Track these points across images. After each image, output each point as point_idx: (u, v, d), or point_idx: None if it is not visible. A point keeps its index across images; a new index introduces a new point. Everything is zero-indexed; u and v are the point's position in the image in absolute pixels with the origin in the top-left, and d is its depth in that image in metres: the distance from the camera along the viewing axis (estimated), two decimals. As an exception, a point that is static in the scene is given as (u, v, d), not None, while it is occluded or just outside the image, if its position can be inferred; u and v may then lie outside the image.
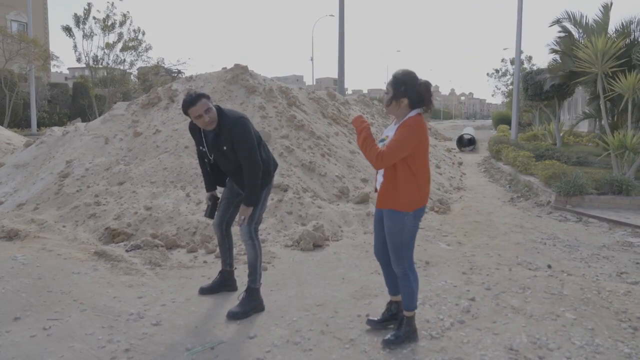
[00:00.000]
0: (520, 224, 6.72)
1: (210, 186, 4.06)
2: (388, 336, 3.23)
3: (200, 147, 3.87)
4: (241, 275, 4.31)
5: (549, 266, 4.87)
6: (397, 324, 3.31)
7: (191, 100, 3.54)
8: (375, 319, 3.46)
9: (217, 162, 3.88)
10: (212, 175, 4.00)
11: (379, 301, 3.87)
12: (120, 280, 4.41)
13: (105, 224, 5.90)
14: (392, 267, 3.33)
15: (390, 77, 3.12)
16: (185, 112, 3.61)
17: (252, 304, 3.72)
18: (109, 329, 3.43)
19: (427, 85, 3.07)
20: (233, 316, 3.62)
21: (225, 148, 3.66)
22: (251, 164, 3.61)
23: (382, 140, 3.17)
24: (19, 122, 27.55)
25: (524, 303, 3.90)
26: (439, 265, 4.87)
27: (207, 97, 3.60)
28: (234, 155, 3.66)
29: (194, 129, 3.86)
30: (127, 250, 5.24)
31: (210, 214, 4.05)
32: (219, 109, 3.68)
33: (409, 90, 3.05)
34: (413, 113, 3.08)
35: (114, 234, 5.64)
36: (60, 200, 6.84)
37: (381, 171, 3.17)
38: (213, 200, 4.04)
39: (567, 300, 3.96)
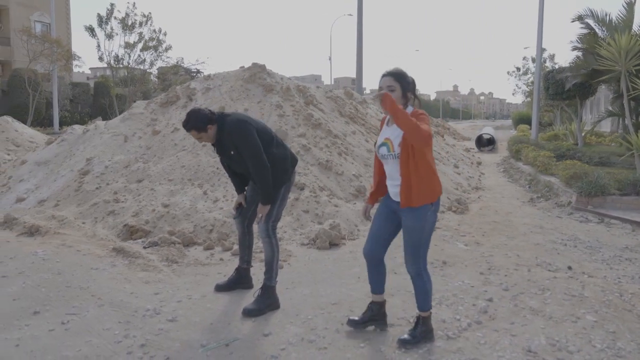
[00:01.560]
0: (539, 225, 6.61)
1: (239, 188, 4.10)
2: (404, 336, 3.20)
3: (216, 152, 3.96)
4: (257, 273, 4.31)
5: (569, 267, 4.78)
6: (413, 323, 3.28)
7: (184, 127, 3.70)
8: (356, 318, 3.41)
9: (229, 165, 3.97)
10: (236, 177, 4.06)
11: (395, 300, 3.84)
12: (138, 276, 4.46)
13: (124, 220, 5.97)
14: (382, 266, 3.33)
15: (385, 76, 3.03)
16: None
17: (267, 302, 3.73)
18: (125, 324, 3.47)
19: (414, 81, 3.11)
20: (248, 313, 3.63)
21: (232, 152, 3.74)
22: (257, 164, 3.63)
23: (385, 144, 3.10)
24: (42, 121, 28.14)
25: (543, 304, 3.83)
26: (457, 266, 4.81)
27: (200, 124, 3.64)
28: (241, 158, 3.72)
29: None
30: (144, 247, 5.30)
31: None
32: (220, 116, 3.74)
33: (411, 86, 3.07)
34: (411, 109, 3.06)
35: (132, 231, 5.70)
36: (80, 197, 6.95)
37: (394, 173, 3.10)
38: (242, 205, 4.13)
39: (588, 302, 3.88)
